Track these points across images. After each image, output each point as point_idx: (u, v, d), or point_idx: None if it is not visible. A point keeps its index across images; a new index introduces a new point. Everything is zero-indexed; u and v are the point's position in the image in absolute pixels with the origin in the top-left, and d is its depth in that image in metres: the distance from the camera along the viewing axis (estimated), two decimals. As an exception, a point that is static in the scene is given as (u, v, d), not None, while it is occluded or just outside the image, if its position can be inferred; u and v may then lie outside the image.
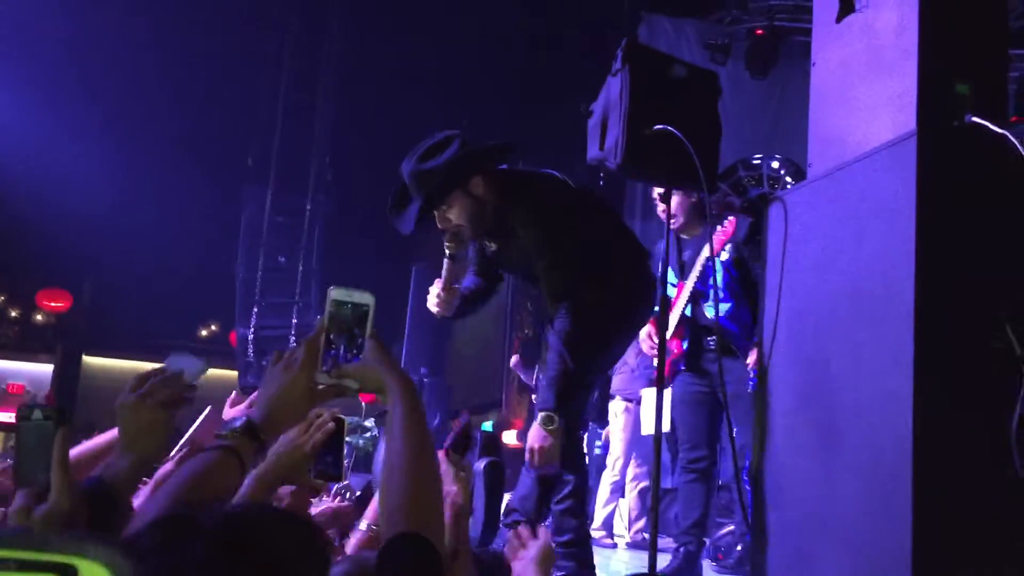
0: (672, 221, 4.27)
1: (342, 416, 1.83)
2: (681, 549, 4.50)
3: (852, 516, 2.48)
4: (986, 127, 2.59)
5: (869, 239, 2.61)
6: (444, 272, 3.59)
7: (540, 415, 3.28)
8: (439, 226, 3.51)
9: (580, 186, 3.64)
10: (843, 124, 2.90)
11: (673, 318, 4.50)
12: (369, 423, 10.16)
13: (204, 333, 19.33)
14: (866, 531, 2.42)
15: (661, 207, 4.09)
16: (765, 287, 3.10)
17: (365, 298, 1.48)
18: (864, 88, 2.84)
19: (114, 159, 14.07)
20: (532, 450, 3.28)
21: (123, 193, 14.77)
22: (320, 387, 1.46)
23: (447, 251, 3.53)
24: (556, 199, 3.47)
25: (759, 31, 9.04)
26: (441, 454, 2.12)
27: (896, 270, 2.46)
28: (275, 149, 12.93)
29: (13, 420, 1.46)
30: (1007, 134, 2.59)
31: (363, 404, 10.31)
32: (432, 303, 3.66)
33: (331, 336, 1.47)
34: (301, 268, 12.81)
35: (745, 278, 4.39)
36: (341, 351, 1.46)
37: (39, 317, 18.15)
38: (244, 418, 1.42)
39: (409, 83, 12.90)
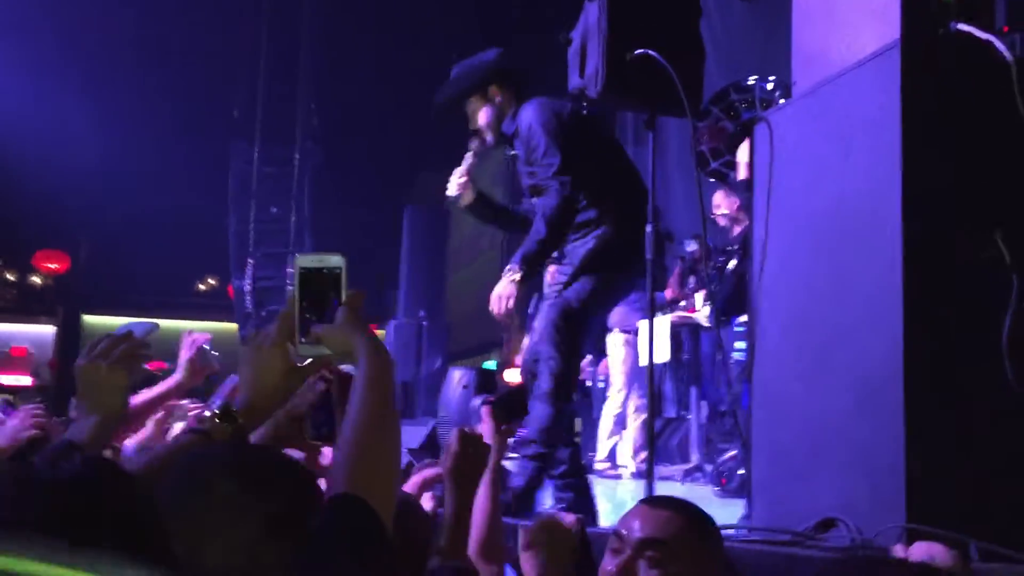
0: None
1: (332, 377, 1.66)
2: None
3: (845, 432, 2.49)
4: (972, 34, 2.53)
5: (855, 155, 2.58)
6: (466, 163, 3.91)
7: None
8: (470, 127, 3.96)
9: (589, 117, 3.89)
10: (826, 39, 2.84)
11: None
12: None
13: (202, 287, 19.29)
14: (859, 446, 2.43)
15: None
16: (754, 210, 3.07)
17: (335, 261, 1.41)
18: (847, 0, 2.77)
19: (99, 117, 13.90)
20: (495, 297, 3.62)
21: (112, 151, 14.61)
22: (306, 361, 1.41)
23: (472, 148, 3.93)
24: (558, 119, 3.70)
25: (745, -49, 8.83)
26: (486, 410, 2.09)
27: (883, 184, 2.43)
28: (260, 99, 12.77)
29: (19, 383, 1.44)
30: (993, 40, 2.54)
31: None
32: (452, 186, 3.91)
33: (304, 306, 1.40)
34: (294, 218, 12.74)
35: None
36: (317, 320, 1.39)
37: (37, 279, 18.12)
38: (220, 402, 1.40)
39: (392, 24, 12.70)
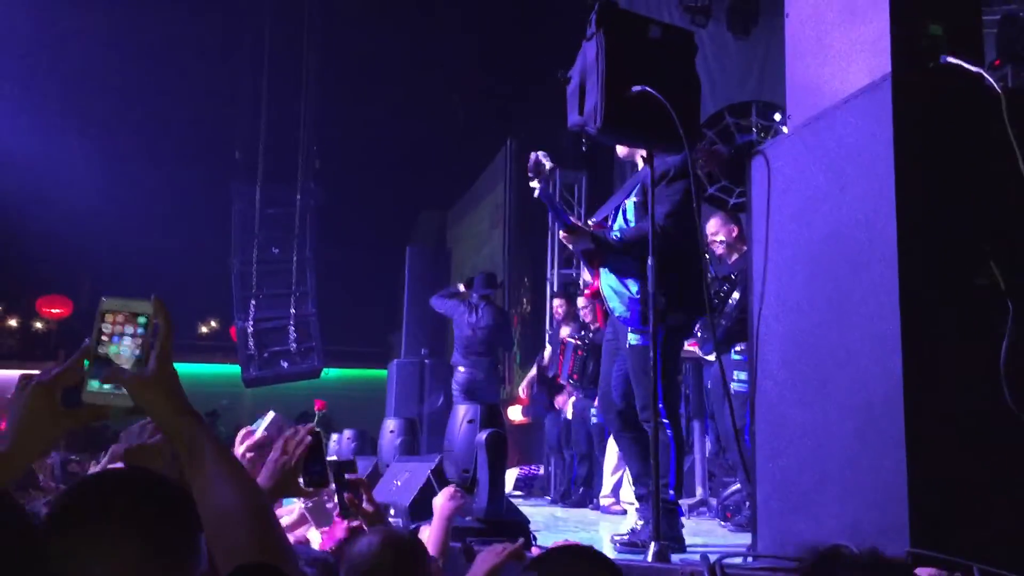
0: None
1: (318, 430, 1.95)
2: None
3: (847, 457, 2.51)
4: (961, 66, 2.59)
5: (850, 185, 2.62)
6: None
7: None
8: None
9: None
10: (819, 73, 2.91)
11: None
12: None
13: (204, 330, 19.32)
14: (862, 471, 2.44)
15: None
16: (752, 241, 3.11)
17: (143, 307, 1.32)
18: (839, 35, 2.84)
19: (100, 160, 13.99)
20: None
21: (113, 195, 14.68)
22: (81, 406, 1.29)
23: None
24: None
25: (738, -9, 8.97)
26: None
27: (877, 214, 2.47)
28: (262, 140, 12.89)
29: None
30: (983, 72, 2.60)
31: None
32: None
33: (100, 352, 1.31)
34: (295, 258, 12.80)
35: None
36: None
37: (39, 325, 18.14)
38: None
39: (392, 66, 12.85)
